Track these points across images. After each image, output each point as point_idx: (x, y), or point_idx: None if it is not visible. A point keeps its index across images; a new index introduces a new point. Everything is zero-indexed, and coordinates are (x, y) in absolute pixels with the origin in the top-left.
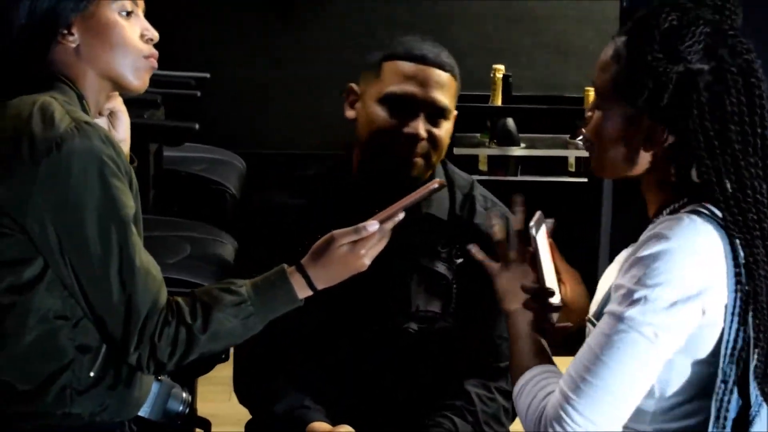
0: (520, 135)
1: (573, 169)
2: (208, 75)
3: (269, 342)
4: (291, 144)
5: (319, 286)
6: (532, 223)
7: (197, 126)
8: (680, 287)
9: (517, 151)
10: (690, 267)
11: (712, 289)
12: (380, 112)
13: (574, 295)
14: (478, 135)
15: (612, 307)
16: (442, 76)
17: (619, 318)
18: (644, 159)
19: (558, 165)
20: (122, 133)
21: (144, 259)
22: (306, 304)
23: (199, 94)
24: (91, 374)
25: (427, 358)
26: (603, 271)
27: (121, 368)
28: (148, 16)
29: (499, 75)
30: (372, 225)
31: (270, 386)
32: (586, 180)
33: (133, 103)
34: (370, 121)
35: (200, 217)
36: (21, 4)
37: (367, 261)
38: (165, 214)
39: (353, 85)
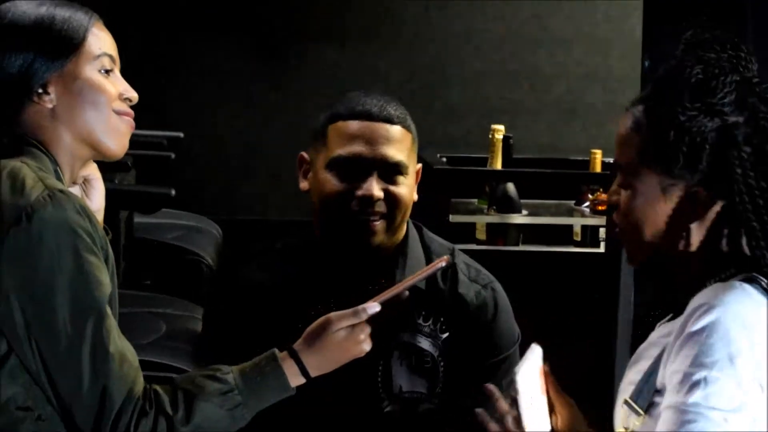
0: (522, 201)
1: (579, 239)
2: (181, 134)
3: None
4: (273, 210)
5: (314, 374)
6: (517, 368)
7: (173, 192)
8: (741, 362)
9: (519, 219)
10: (746, 339)
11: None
12: (330, 178)
13: (565, 424)
14: (475, 201)
15: (672, 398)
16: (392, 130)
17: (682, 410)
18: (696, 234)
19: (562, 234)
20: (97, 202)
21: (119, 343)
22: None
23: (173, 155)
24: None
25: None
26: (621, 349)
27: None
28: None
29: (499, 136)
30: (372, 307)
31: None
32: (592, 250)
33: (102, 166)
34: (322, 189)
35: (174, 291)
36: None
37: (366, 346)
38: (136, 287)
39: (304, 153)
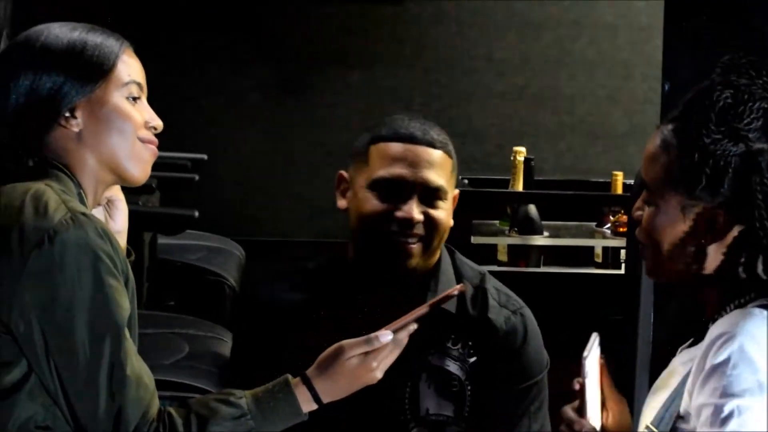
0: (543, 223)
1: (600, 260)
2: (205, 156)
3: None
4: (295, 231)
5: (326, 400)
6: (585, 352)
7: (197, 213)
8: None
9: (540, 241)
10: None
11: None
12: (371, 198)
13: (615, 422)
14: (497, 222)
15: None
16: (434, 154)
17: None
18: (713, 255)
19: (584, 255)
20: (120, 224)
21: (136, 365)
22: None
23: (197, 177)
24: None
25: None
26: (641, 371)
27: None
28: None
29: (521, 158)
30: (385, 336)
31: None
32: (613, 272)
33: (127, 188)
34: (361, 208)
35: (197, 311)
36: (20, 82)
37: (378, 374)
38: (159, 308)
39: (343, 172)
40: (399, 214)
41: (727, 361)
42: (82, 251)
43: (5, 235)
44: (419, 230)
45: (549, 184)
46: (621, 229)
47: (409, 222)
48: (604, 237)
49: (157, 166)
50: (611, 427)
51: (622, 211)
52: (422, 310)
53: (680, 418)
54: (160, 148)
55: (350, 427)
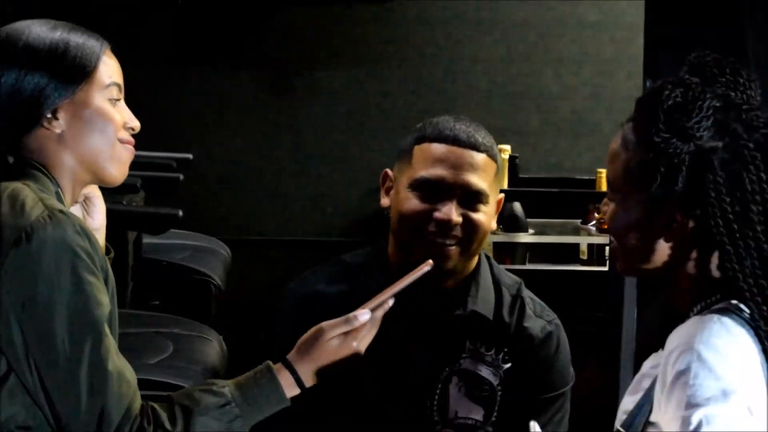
0: (528, 220)
1: (585, 257)
2: (190, 156)
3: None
4: (281, 231)
5: (308, 384)
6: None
7: (181, 213)
8: (734, 394)
9: (525, 238)
10: (731, 372)
11: (754, 388)
12: (411, 198)
13: None
14: None
15: None
16: (477, 157)
17: None
18: (665, 251)
19: (569, 252)
20: (98, 221)
21: (117, 362)
22: (336, 404)
23: (181, 177)
24: None
25: None
26: (626, 367)
27: None
28: (128, 89)
29: (505, 156)
30: (363, 314)
31: None
32: (599, 269)
33: (111, 187)
34: (401, 208)
35: (183, 311)
36: (1, 84)
37: (359, 353)
38: (144, 307)
39: (388, 170)
40: (438, 215)
41: (686, 371)
42: (60, 249)
43: None
44: (458, 232)
45: (534, 182)
46: (606, 226)
47: (448, 224)
48: (590, 234)
49: (142, 165)
50: None
51: None
52: (399, 286)
53: (650, 423)
54: (146, 147)
55: (378, 428)
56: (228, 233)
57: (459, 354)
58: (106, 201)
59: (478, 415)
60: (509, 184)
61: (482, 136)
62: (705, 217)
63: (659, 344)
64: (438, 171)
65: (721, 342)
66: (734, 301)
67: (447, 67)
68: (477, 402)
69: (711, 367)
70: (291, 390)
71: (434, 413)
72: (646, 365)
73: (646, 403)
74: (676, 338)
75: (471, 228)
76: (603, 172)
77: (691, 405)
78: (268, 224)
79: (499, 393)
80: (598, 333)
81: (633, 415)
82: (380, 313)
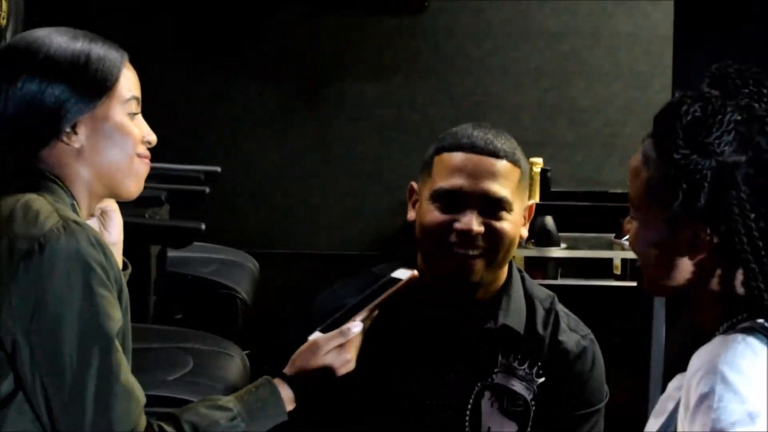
0: (560, 234)
1: (618, 272)
2: (218, 169)
3: None
4: (310, 244)
5: (304, 399)
6: None
7: (203, 226)
8: (759, 417)
9: (557, 252)
10: (757, 394)
11: None
12: (432, 210)
13: None
14: None
15: None
16: (497, 164)
17: None
18: (689, 269)
19: (602, 267)
20: (115, 235)
21: (126, 379)
22: (375, 423)
23: (207, 190)
24: None
25: None
26: (655, 385)
27: None
28: (157, 101)
29: (537, 169)
30: (356, 326)
31: None
32: (632, 284)
33: (134, 201)
34: (423, 220)
35: (207, 326)
36: (19, 91)
37: (353, 365)
38: (167, 322)
39: (413, 184)
40: (458, 225)
41: (710, 394)
42: (73, 260)
43: None
44: (481, 242)
45: (566, 196)
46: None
47: (468, 234)
48: (623, 248)
49: (169, 178)
50: None
51: None
52: (383, 296)
53: None
54: (174, 160)
55: None
56: (256, 246)
57: (491, 368)
58: (127, 214)
59: (511, 430)
60: (541, 198)
61: (502, 142)
62: (729, 233)
63: (686, 364)
64: (456, 180)
65: (746, 363)
66: (760, 320)
67: (477, 78)
68: (510, 417)
69: (736, 389)
70: (290, 405)
71: (466, 429)
72: (671, 386)
73: (670, 426)
74: (698, 359)
75: (495, 237)
76: None
77: (716, 430)
78: (297, 237)
79: (533, 408)
80: (631, 349)
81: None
82: (368, 322)
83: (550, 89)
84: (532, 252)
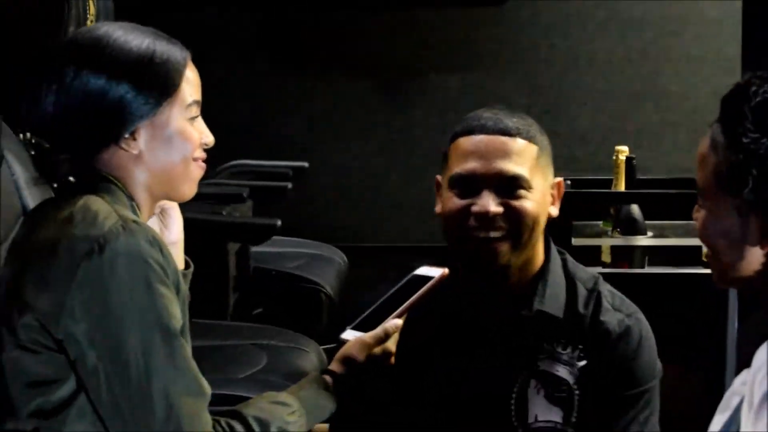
0: (647, 222)
1: (707, 259)
2: (306, 164)
3: None
4: (398, 237)
5: (348, 395)
6: None
7: (279, 222)
8: None
9: (644, 241)
10: None
11: None
12: (452, 197)
13: None
14: (600, 223)
15: None
16: (509, 142)
17: None
18: (759, 259)
19: (691, 255)
20: (175, 233)
21: (194, 376)
22: (420, 416)
23: (290, 185)
24: None
25: None
26: (729, 376)
27: None
28: (245, 100)
29: (623, 157)
30: (396, 324)
31: None
32: None
33: (214, 198)
34: (445, 209)
35: (290, 321)
36: (83, 89)
37: (393, 359)
38: (246, 318)
39: (438, 177)
40: (475, 208)
41: None
42: (134, 259)
43: (53, 248)
44: (501, 224)
45: (652, 183)
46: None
47: (486, 216)
48: None
49: (258, 174)
50: None
51: None
52: (416, 296)
53: None
54: (262, 156)
55: None
56: (345, 240)
57: (535, 356)
58: (204, 212)
59: (557, 417)
60: (627, 186)
61: (514, 121)
62: None
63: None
64: (470, 164)
65: None
66: None
67: (563, 67)
68: (555, 403)
69: None
70: (337, 400)
71: (513, 418)
72: (738, 381)
73: (733, 422)
74: (764, 354)
75: (515, 217)
76: None
77: None
78: (385, 231)
79: (577, 392)
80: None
81: (725, 427)
82: (403, 320)
83: (635, 76)
84: (618, 241)
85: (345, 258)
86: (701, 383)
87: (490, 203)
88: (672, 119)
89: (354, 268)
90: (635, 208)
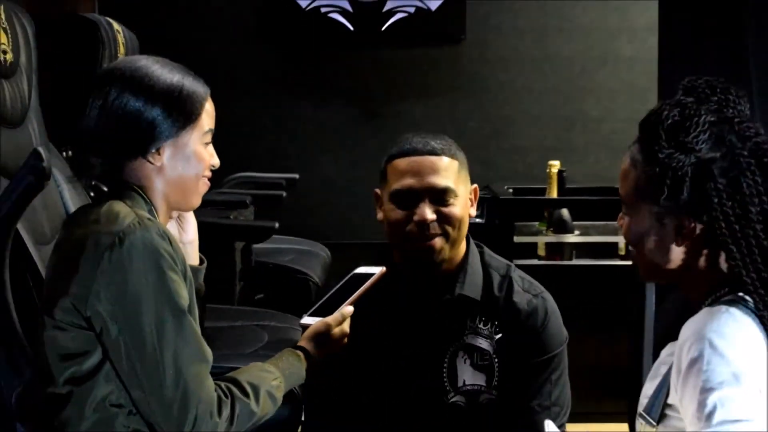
0: (574, 223)
1: (623, 253)
2: (297, 176)
3: (342, 404)
4: (373, 235)
5: (312, 369)
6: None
7: (277, 225)
8: (744, 377)
9: (572, 238)
10: (741, 357)
11: (761, 371)
12: (393, 209)
13: None
14: (536, 224)
15: (696, 426)
16: (437, 161)
17: None
18: (679, 254)
19: (609, 250)
20: (191, 234)
21: (199, 346)
22: (371, 382)
23: (284, 194)
24: None
25: (474, 428)
26: (647, 347)
27: None
28: (247, 124)
29: (555, 170)
30: (349, 309)
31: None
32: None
33: (222, 204)
34: (389, 218)
35: (286, 305)
36: (122, 110)
37: (346, 339)
38: (250, 303)
39: (377, 190)
40: (415, 218)
41: (700, 358)
42: (147, 250)
43: (82, 243)
44: (436, 228)
45: (579, 191)
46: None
47: (424, 222)
48: None
49: (258, 184)
50: None
51: None
52: (361, 290)
53: (668, 406)
54: (261, 169)
55: (396, 401)
56: (328, 238)
57: (460, 332)
58: (214, 216)
59: (482, 381)
60: (558, 194)
61: (437, 142)
62: (710, 221)
63: (676, 334)
64: (407, 181)
65: (730, 330)
66: (741, 294)
67: (506, 96)
68: (480, 370)
69: (722, 353)
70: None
71: (445, 383)
72: (664, 353)
73: (663, 388)
74: (688, 328)
75: (446, 220)
76: None
77: (706, 389)
78: (362, 230)
79: (496, 360)
80: (630, 316)
81: (653, 399)
82: (352, 308)
83: (565, 104)
84: (551, 238)
85: (328, 252)
86: (624, 353)
87: (427, 212)
88: (594, 140)
89: (336, 260)
90: (565, 212)
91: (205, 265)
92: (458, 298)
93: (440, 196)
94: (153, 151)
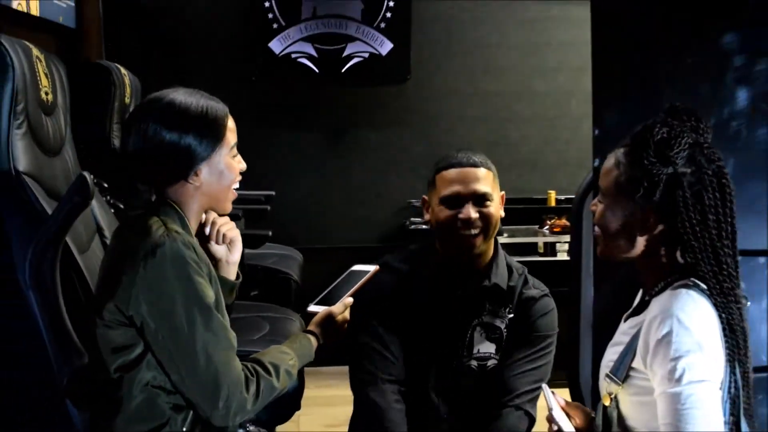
0: (503, 227)
1: (542, 251)
2: (273, 192)
3: (383, 363)
4: (338, 240)
5: (323, 345)
6: (550, 411)
7: (270, 233)
8: (706, 345)
9: (502, 240)
10: (702, 329)
11: (716, 342)
12: (443, 210)
13: (580, 420)
14: None
15: (665, 387)
16: (478, 171)
17: (681, 392)
18: (640, 243)
19: (530, 248)
20: (236, 256)
21: (225, 335)
22: (407, 346)
23: (268, 208)
24: (184, 429)
25: (482, 384)
26: (584, 333)
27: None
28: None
29: None
30: (350, 300)
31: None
32: (551, 259)
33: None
34: (438, 217)
35: (273, 300)
36: (159, 139)
37: (346, 325)
38: (247, 298)
39: (425, 196)
40: (462, 216)
41: (669, 332)
42: (176, 258)
43: (124, 255)
44: (477, 225)
45: (507, 201)
46: (556, 229)
47: (469, 220)
48: (544, 236)
49: (242, 200)
50: (580, 423)
51: (556, 218)
52: (361, 283)
53: (632, 369)
54: (244, 188)
55: (425, 362)
56: (301, 243)
57: (481, 312)
58: None
59: (491, 350)
60: None
61: (478, 157)
62: (674, 221)
63: (615, 312)
64: (455, 187)
65: (691, 308)
66: (693, 280)
67: (446, 126)
68: (491, 341)
69: (687, 327)
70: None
71: (464, 350)
72: (625, 326)
73: (629, 353)
74: (656, 308)
75: (485, 219)
76: (552, 193)
77: (675, 357)
78: (330, 237)
79: (505, 334)
80: (563, 307)
81: (618, 363)
82: (351, 299)
83: (492, 130)
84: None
85: (301, 256)
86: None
87: (471, 212)
88: (517, 158)
89: (307, 262)
90: None
91: (240, 280)
92: (492, 286)
93: (481, 200)
94: (192, 174)
